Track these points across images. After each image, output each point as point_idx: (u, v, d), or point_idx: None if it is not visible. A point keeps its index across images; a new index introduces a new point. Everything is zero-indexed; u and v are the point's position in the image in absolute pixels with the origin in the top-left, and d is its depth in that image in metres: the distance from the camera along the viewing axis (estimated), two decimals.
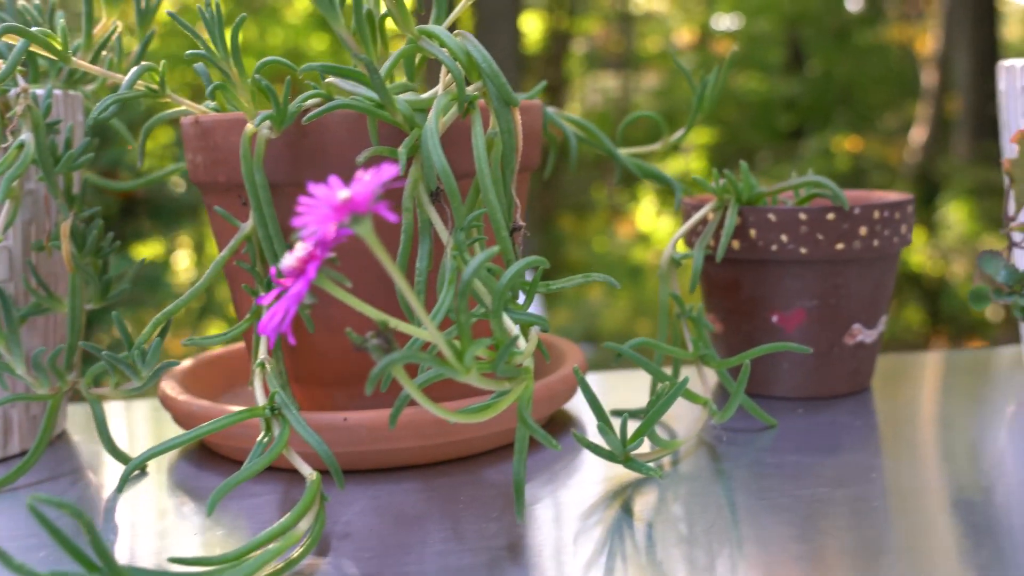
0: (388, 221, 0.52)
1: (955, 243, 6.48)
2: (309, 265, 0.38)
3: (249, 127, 0.53)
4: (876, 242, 0.65)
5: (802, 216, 0.64)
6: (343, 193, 0.35)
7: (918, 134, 7.16)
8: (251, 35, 9.16)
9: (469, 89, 0.51)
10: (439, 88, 0.52)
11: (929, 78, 7.16)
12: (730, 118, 11.24)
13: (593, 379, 0.78)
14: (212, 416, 0.57)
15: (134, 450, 0.60)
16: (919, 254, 6.47)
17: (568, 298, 7.12)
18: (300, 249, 0.38)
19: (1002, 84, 0.71)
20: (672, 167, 9.68)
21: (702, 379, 0.64)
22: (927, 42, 7.72)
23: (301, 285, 0.38)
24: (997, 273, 0.61)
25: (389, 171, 0.35)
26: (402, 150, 0.48)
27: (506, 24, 6.83)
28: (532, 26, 11.14)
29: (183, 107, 0.58)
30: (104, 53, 0.64)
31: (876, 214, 0.65)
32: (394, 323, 0.39)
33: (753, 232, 0.65)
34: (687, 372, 0.68)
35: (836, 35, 10.00)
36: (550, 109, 0.70)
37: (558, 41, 8.22)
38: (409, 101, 0.52)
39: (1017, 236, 0.63)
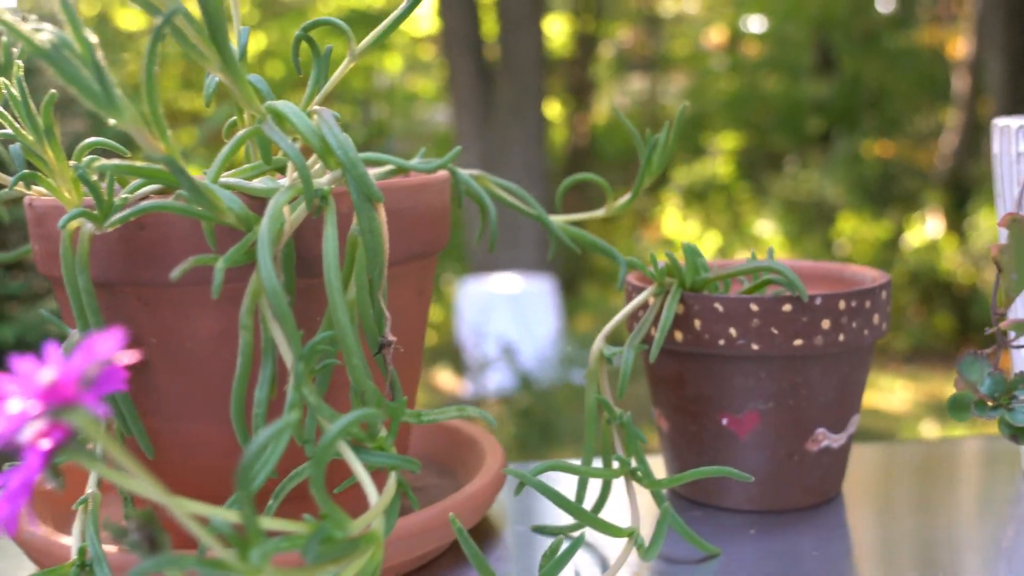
0: (233, 327, 0.43)
1: (986, 250, 6.31)
2: (40, 444, 0.29)
3: (71, 222, 0.44)
4: (842, 336, 0.56)
5: (753, 307, 0.55)
6: (46, 374, 0.26)
7: (949, 139, 7.00)
8: (274, 37, 9.13)
9: (323, 181, 0.42)
10: (287, 178, 0.43)
11: (961, 82, 6.99)
12: (757, 121, 11.09)
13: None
14: (50, 548, 0.48)
15: None
16: (949, 261, 6.32)
17: (591, 303, 7.02)
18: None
19: (995, 146, 0.61)
20: (698, 172, 9.57)
21: (631, 500, 0.54)
22: (959, 46, 7.55)
23: (29, 469, 0.29)
24: (980, 381, 0.51)
25: (108, 342, 0.26)
26: (220, 265, 0.39)
27: (529, 28, 6.75)
28: (558, 29, 11.05)
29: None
30: None
31: (842, 304, 0.55)
32: (175, 504, 0.30)
33: (698, 323, 0.56)
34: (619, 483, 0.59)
35: (865, 38, 9.83)
36: (469, 172, 0.61)
37: (585, 44, 8.11)
38: (256, 190, 0.44)
39: (1010, 334, 0.54)
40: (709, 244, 7.91)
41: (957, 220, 6.71)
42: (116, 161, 0.38)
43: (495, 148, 6.75)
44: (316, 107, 0.43)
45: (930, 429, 4.40)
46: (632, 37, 15.76)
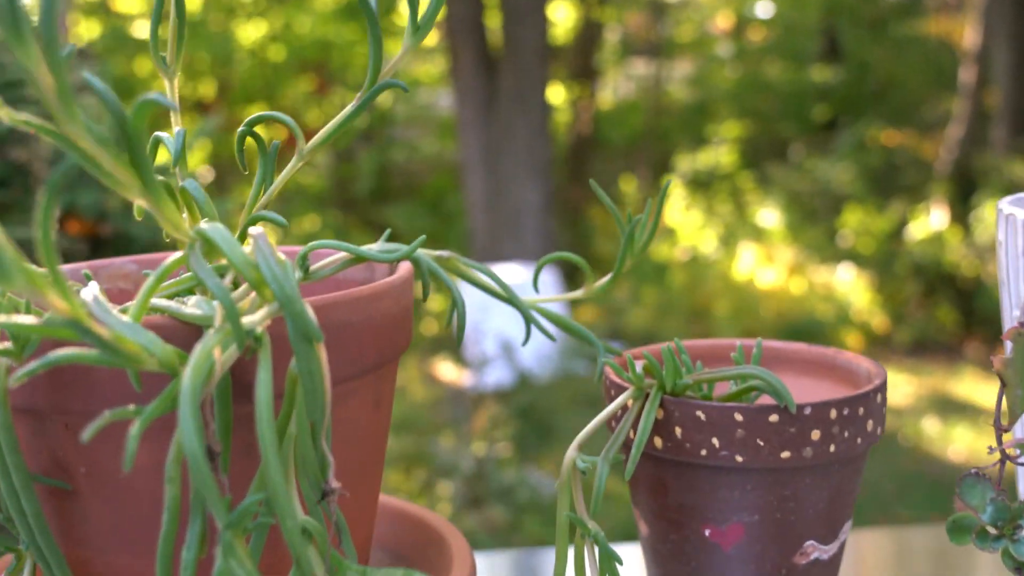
0: (155, 475, 0.39)
1: (991, 242, 6.26)
2: None
3: None
4: (833, 447, 0.52)
5: (738, 417, 0.51)
6: None
7: (955, 129, 6.93)
8: (277, 25, 9.06)
9: (256, 318, 0.39)
10: (217, 320, 0.39)
11: (967, 72, 6.92)
12: (762, 108, 11.02)
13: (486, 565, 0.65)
14: None
15: None
16: (954, 253, 6.27)
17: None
18: None
19: (1000, 233, 0.57)
20: (703, 160, 9.50)
21: None
22: (966, 35, 7.47)
23: None
24: (982, 508, 0.47)
25: None
26: (135, 431, 0.35)
27: (533, 16, 6.67)
28: (563, 15, 10.95)
29: None
30: None
31: (833, 413, 0.51)
32: None
33: (679, 430, 0.52)
34: None
35: (873, 25, 9.74)
36: (437, 254, 0.57)
37: (590, 30, 8.03)
38: (190, 317, 0.40)
39: (1015, 451, 0.50)
40: (711, 234, 7.87)
41: (962, 211, 6.66)
42: (18, 319, 0.34)
43: (498, 137, 6.70)
44: (253, 232, 0.39)
45: (932, 426, 4.37)
46: (637, 22, 15.67)
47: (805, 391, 0.58)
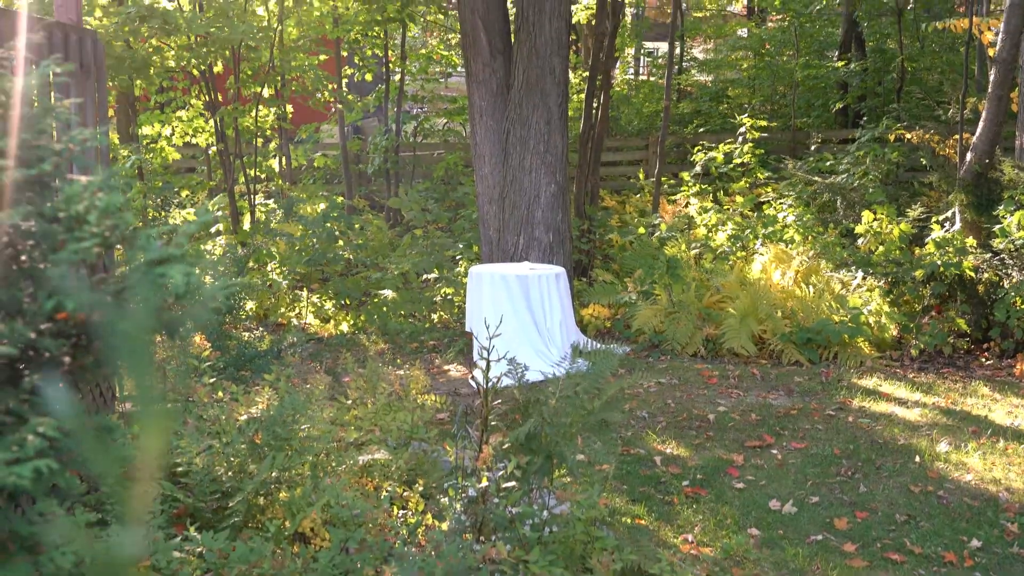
0: None
1: (1011, 248, 6.17)
2: None
3: None
4: None
5: None
6: None
7: (979, 133, 6.81)
8: (288, 2, 8.95)
9: None
10: None
11: (992, 75, 6.79)
12: (783, 101, 10.88)
13: None
14: None
15: None
16: (973, 259, 6.17)
17: (604, 292, 6.91)
18: None
19: None
20: (721, 153, 9.38)
21: None
22: (989, 36, 7.34)
23: None
24: None
25: None
26: None
27: (552, 2, 6.53)
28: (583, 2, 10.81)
29: None
30: None
31: None
32: None
33: None
34: None
35: (896, 18, 9.59)
36: None
37: (608, 13, 7.89)
38: None
39: None
40: (725, 230, 7.77)
41: (983, 218, 6.56)
42: None
43: (511, 127, 6.59)
44: None
45: (944, 445, 4.29)
46: (655, 2, 15.50)
47: None
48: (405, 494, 3.27)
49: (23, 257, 1.17)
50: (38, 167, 1.12)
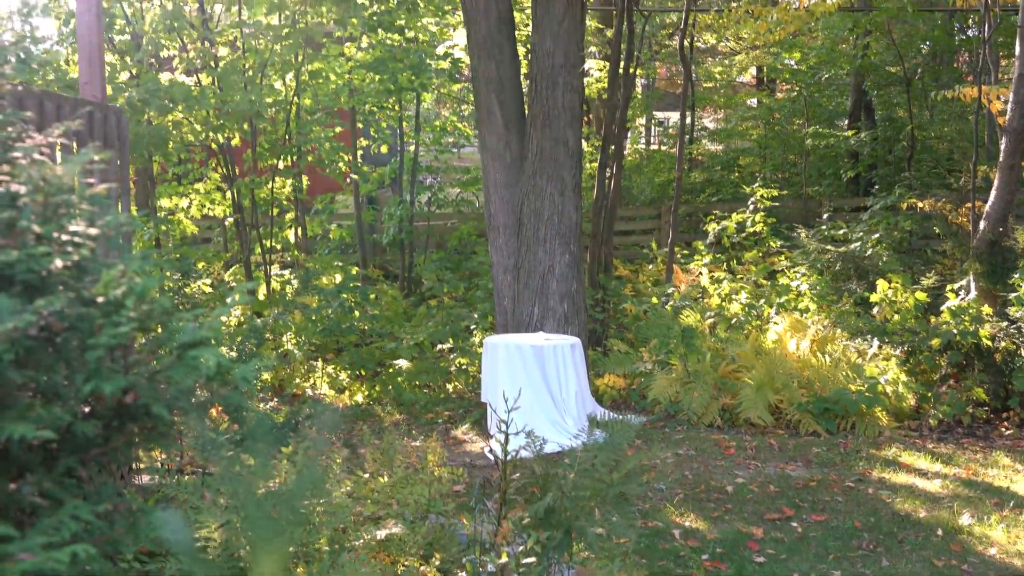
0: None
1: None
2: None
3: None
4: None
5: None
6: None
7: (991, 201, 6.83)
8: (304, 76, 9.08)
9: None
10: None
11: (1003, 144, 6.83)
12: (794, 169, 10.94)
13: None
14: None
15: None
16: (989, 328, 6.15)
17: (619, 361, 6.90)
18: None
19: None
20: (733, 222, 9.42)
21: None
22: (997, 104, 7.39)
23: None
24: None
25: None
26: None
27: (566, 78, 6.61)
28: (596, 74, 10.95)
29: None
30: None
31: None
32: None
33: None
34: None
35: (904, 87, 9.67)
36: None
37: (620, 85, 8.01)
38: None
39: None
40: (740, 300, 7.77)
41: (998, 286, 6.55)
42: None
43: (525, 200, 6.64)
44: None
45: (966, 518, 4.24)
46: (665, 73, 15.68)
47: None
48: (422, 568, 3.24)
49: (58, 340, 1.19)
50: (79, 252, 1.14)
